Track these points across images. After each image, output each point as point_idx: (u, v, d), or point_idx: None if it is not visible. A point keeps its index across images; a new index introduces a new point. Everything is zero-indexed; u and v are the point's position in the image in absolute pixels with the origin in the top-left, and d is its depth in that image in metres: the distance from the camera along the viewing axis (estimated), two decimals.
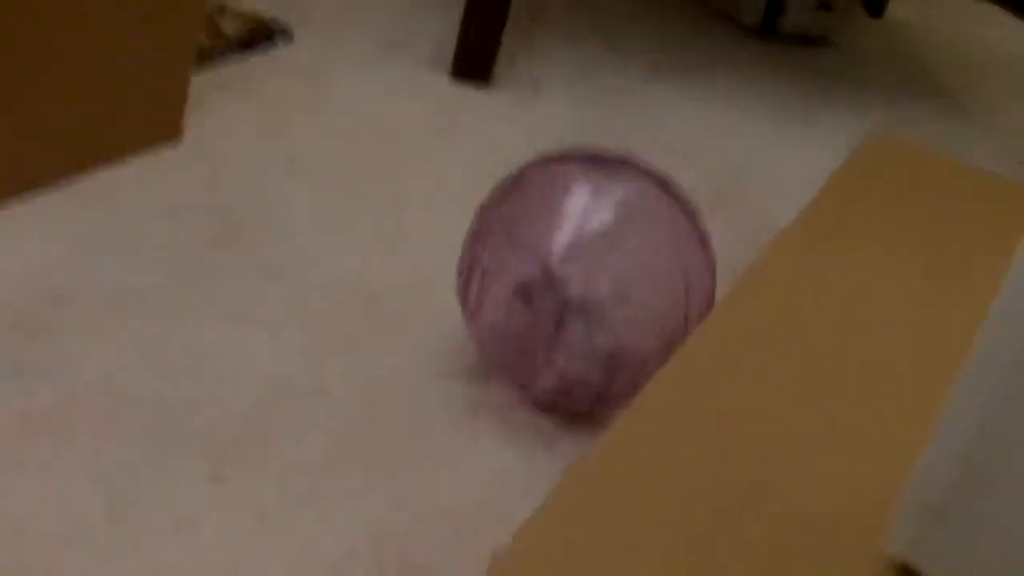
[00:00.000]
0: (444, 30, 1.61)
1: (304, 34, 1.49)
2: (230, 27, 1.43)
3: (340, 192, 1.16)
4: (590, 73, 1.58)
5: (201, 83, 1.30)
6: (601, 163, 0.90)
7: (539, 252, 0.86)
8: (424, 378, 0.92)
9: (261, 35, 1.44)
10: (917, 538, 0.45)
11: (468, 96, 1.43)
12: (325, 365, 0.92)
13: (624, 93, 1.54)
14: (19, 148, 1.01)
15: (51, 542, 0.71)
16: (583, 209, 0.87)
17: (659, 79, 1.61)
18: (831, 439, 0.56)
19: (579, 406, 0.89)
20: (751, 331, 0.63)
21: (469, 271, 0.90)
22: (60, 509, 0.73)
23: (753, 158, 1.44)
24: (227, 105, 1.27)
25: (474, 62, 1.46)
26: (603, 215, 0.87)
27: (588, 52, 1.65)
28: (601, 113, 1.47)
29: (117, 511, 0.74)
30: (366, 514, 0.78)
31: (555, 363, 0.86)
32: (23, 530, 0.71)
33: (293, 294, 0.99)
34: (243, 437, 0.82)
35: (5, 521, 0.71)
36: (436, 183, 1.22)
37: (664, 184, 0.90)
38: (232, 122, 1.24)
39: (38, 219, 1.01)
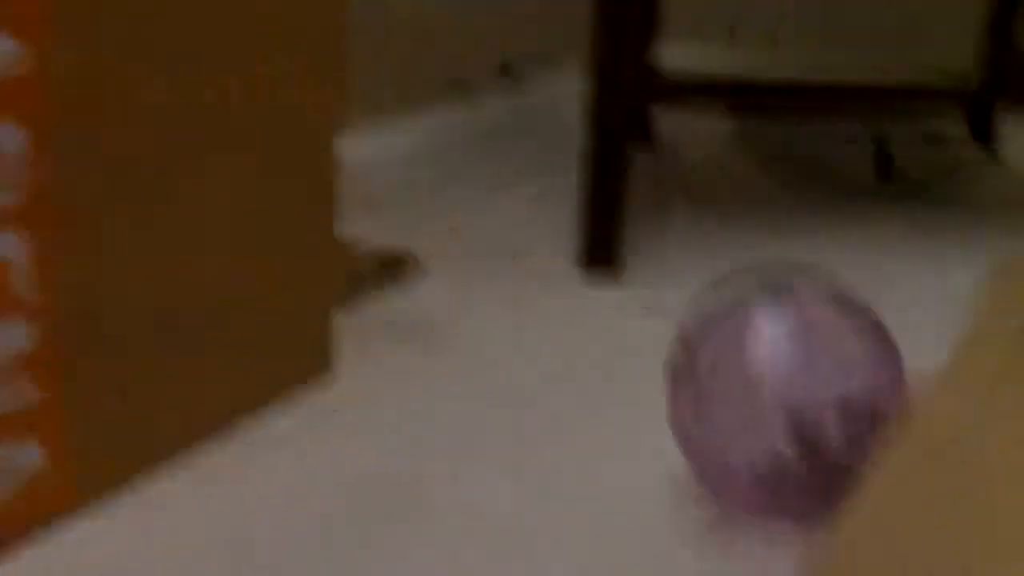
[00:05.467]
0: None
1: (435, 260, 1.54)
2: (365, 263, 1.49)
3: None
4: (718, 251, 1.59)
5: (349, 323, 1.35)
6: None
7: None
8: None
9: (395, 266, 1.49)
10: None
11: (602, 293, 1.45)
12: None
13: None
14: (167, 405, 1.05)
15: None
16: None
17: (786, 245, 1.61)
18: None
19: None
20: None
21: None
22: None
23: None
24: (370, 345, 1.31)
25: (600, 252, 1.49)
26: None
27: (711, 232, 1.66)
28: None
29: None
30: None
31: None
32: None
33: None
34: None
35: None
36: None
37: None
38: (380, 363, 1.27)
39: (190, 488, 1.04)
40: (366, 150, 1.70)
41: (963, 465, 0.62)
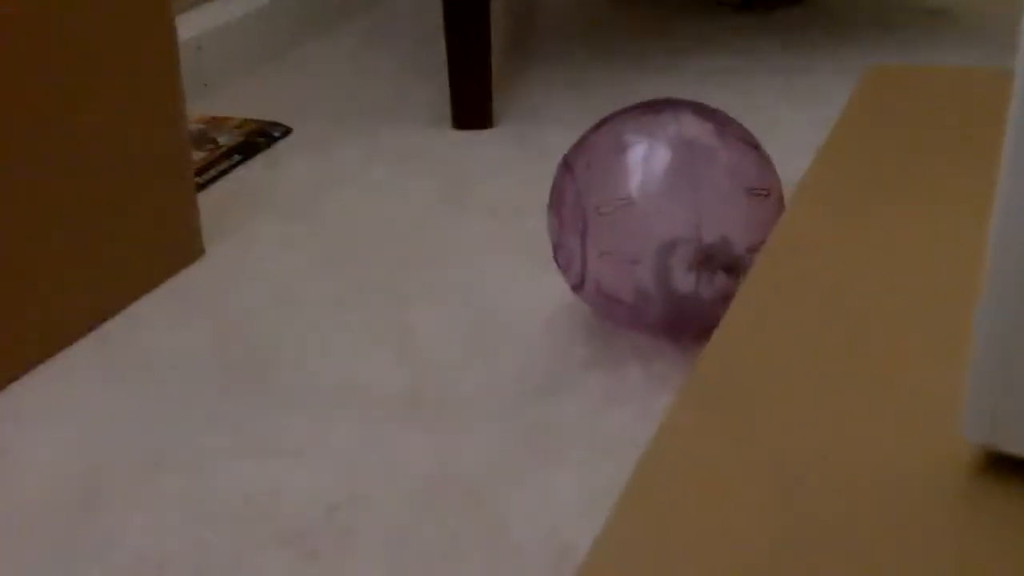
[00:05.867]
0: (437, 91, 1.63)
1: (302, 129, 1.50)
2: (227, 137, 1.45)
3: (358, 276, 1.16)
4: (589, 89, 1.58)
5: (213, 196, 1.31)
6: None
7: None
8: None
9: (260, 137, 1.45)
10: (992, 415, 0.44)
11: (474, 144, 1.44)
12: (363, 488, 0.91)
13: (626, 96, 1.54)
14: (37, 311, 1.02)
15: None
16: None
17: (656, 72, 1.61)
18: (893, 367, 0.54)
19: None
20: (800, 276, 0.62)
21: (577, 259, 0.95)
22: None
23: (764, 120, 1.43)
24: (243, 214, 1.28)
25: (472, 111, 1.47)
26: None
27: (580, 68, 1.65)
28: None
29: None
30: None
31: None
32: None
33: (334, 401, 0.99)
34: (306, 560, 0.82)
35: None
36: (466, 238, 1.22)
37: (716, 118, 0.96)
38: (251, 230, 1.25)
39: (61, 386, 1.02)
40: (215, 20, 1.64)
41: (824, 271, 0.63)
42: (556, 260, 0.98)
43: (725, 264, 0.91)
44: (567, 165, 0.97)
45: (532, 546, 0.78)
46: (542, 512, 0.81)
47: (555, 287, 1.10)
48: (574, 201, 0.95)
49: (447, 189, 1.32)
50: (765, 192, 0.94)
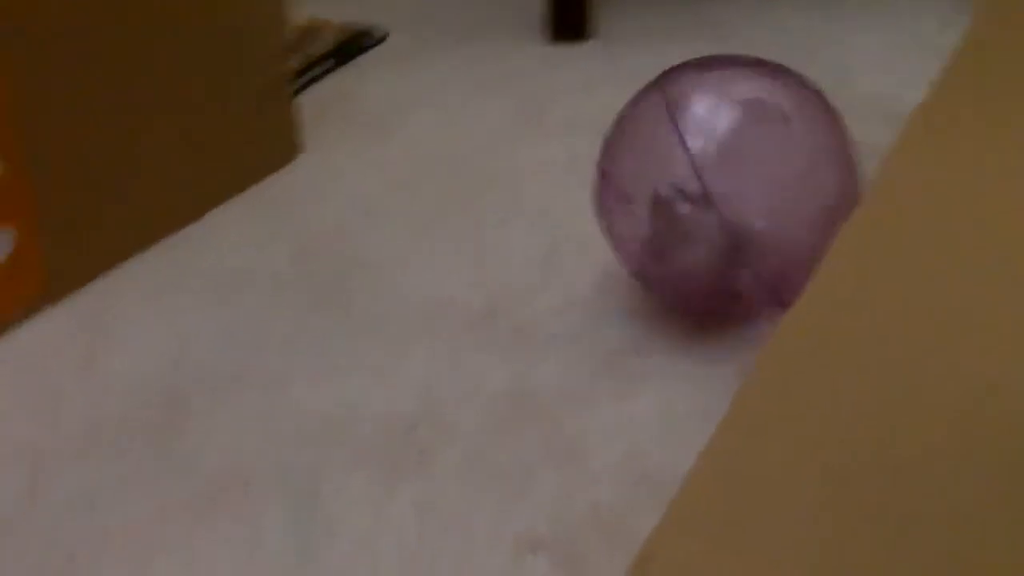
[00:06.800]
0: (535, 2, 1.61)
1: (396, 37, 1.50)
2: (322, 43, 1.45)
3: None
4: (698, 5, 1.55)
5: (303, 103, 1.32)
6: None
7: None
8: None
9: (354, 43, 1.45)
10: None
11: (565, 59, 1.42)
12: (440, 408, 0.92)
13: (735, 16, 1.51)
14: (133, 207, 1.04)
15: None
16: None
17: (750, 9, 1.57)
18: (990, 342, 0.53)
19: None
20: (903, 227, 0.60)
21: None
22: (255, 558, 0.75)
23: (855, 55, 1.39)
24: (328, 125, 1.29)
25: (569, 21, 1.45)
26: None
27: None
28: (698, 48, 1.44)
29: None
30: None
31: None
32: None
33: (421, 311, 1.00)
34: (388, 469, 0.84)
35: None
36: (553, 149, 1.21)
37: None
38: (334, 142, 1.26)
39: (147, 288, 1.04)
40: None
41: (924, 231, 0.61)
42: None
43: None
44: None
45: (608, 470, 0.79)
46: (618, 436, 0.82)
47: None
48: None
49: (532, 106, 1.31)
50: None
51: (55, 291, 0.99)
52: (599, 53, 1.43)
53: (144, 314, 0.98)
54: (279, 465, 0.81)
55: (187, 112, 1.06)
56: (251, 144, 1.14)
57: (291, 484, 0.79)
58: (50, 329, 0.97)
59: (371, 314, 0.97)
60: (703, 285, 0.88)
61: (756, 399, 0.50)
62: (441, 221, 1.10)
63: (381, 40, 1.48)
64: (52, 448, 0.84)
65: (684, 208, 0.84)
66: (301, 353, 0.93)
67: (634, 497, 0.76)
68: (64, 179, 0.97)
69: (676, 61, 0.93)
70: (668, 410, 0.84)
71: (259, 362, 0.92)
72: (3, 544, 0.75)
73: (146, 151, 1.04)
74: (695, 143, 0.84)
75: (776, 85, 0.88)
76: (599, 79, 1.36)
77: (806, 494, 0.44)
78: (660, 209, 0.86)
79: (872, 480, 0.44)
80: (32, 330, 0.97)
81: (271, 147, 1.17)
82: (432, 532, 0.75)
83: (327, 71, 1.39)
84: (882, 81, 1.31)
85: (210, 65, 1.07)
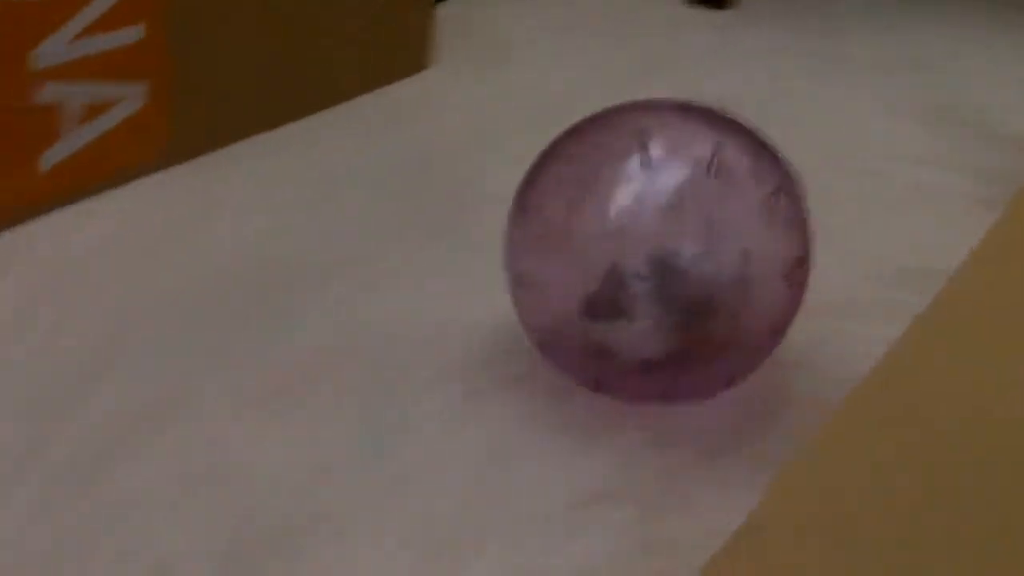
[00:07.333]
0: None
1: None
2: None
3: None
4: None
5: (443, 16, 1.32)
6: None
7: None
8: None
9: None
10: None
11: (698, 24, 1.41)
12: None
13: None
14: (261, 88, 1.05)
15: (306, 479, 0.74)
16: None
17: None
18: None
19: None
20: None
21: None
22: (324, 448, 0.77)
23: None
24: (465, 40, 1.29)
25: None
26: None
27: None
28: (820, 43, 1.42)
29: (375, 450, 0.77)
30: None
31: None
32: (283, 468, 0.75)
33: None
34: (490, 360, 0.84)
35: (260, 466, 0.76)
36: None
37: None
38: (469, 58, 1.25)
39: (265, 166, 1.05)
40: None
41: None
42: None
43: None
44: None
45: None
46: None
47: None
48: None
49: (656, 65, 1.30)
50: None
51: (172, 156, 1.00)
52: (740, 22, 1.41)
53: (249, 197, 0.99)
54: (364, 362, 0.82)
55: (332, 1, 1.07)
56: (387, 45, 1.15)
57: (372, 383, 0.81)
58: (161, 191, 0.99)
59: (469, 234, 0.97)
60: None
61: (867, 397, 0.50)
62: None
63: None
64: (141, 305, 0.86)
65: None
66: (393, 257, 0.94)
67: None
68: (201, 49, 0.98)
69: (814, 49, 0.92)
70: None
71: (351, 259, 0.93)
72: (95, 384, 0.78)
73: (283, 33, 1.04)
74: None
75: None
76: (729, 51, 1.34)
77: (906, 487, 0.44)
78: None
79: (966, 483, 0.44)
80: (144, 185, 0.99)
81: (404, 53, 1.18)
82: (501, 458, 0.75)
83: None
84: None
85: None
